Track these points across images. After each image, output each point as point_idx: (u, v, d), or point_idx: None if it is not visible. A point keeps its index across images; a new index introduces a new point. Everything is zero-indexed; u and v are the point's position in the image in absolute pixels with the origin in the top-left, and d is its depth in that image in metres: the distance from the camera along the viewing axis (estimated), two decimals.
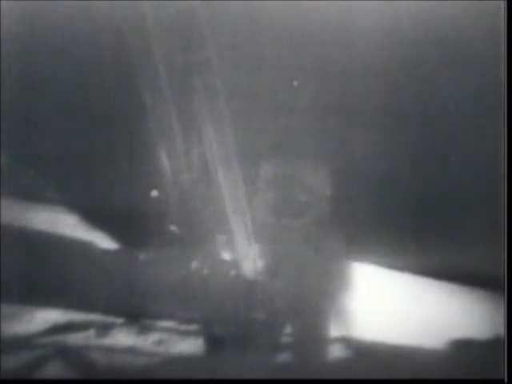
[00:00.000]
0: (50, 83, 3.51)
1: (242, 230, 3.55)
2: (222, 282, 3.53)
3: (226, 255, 3.61)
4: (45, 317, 3.50)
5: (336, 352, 3.28)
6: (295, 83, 3.31)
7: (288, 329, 3.43)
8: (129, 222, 3.50)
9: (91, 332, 3.47)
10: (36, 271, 3.41)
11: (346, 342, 3.35)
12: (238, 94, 3.45)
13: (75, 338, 3.43)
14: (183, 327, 3.49)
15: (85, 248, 3.56)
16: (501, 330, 2.85)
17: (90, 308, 3.50)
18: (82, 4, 3.39)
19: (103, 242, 3.62)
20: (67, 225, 3.62)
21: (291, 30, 3.34)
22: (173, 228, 3.61)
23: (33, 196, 3.61)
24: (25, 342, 3.35)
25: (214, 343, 3.43)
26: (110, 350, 3.39)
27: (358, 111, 3.39)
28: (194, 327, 3.48)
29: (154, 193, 3.40)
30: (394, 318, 3.40)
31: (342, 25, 3.34)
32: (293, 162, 3.49)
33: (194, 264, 3.55)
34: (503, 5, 2.99)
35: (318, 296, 3.39)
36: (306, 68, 3.40)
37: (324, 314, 3.38)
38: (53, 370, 3.19)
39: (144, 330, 3.48)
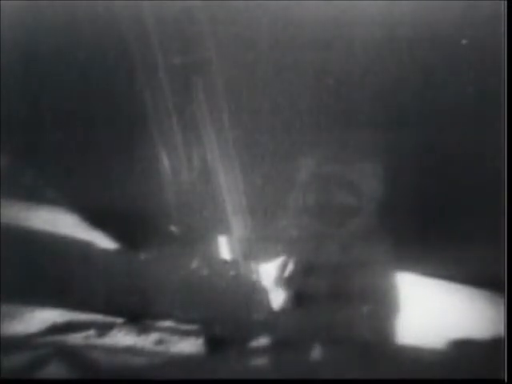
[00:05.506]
0: (50, 83, 3.51)
1: (242, 230, 3.55)
2: (222, 282, 3.53)
3: (226, 255, 3.61)
4: (45, 317, 3.49)
5: (336, 352, 3.28)
6: None
7: (288, 329, 3.43)
8: (129, 222, 3.50)
9: (91, 332, 3.47)
10: (36, 271, 3.41)
11: (347, 342, 3.35)
12: (237, 93, 3.45)
13: (75, 338, 3.43)
14: (183, 327, 3.49)
15: (85, 248, 3.56)
16: (501, 329, 2.85)
17: (90, 308, 3.49)
18: (82, 4, 3.39)
19: (103, 241, 3.61)
20: (67, 225, 3.61)
21: (291, 30, 3.34)
22: (173, 228, 3.61)
23: (33, 196, 3.60)
24: (25, 342, 3.34)
25: (215, 343, 3.42)
26: (110, 350, 3.39)
27: (358, 111, 3.40)
28: (194, 327, 3.48)
29: None
30: (394, 318, 3.40)
31: (342, 25, 3.34)
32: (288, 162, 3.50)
33: (194, 264, 3.55)
34: (503, 5, 2.98)
35: (318, 295, 3.40)
36: (306, 68, 3.40)
37: (324, 313, 3.38)
38: (53, 370, 3.19)
39: (144, 329, 3.48)
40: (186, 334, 3.46)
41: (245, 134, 3.49)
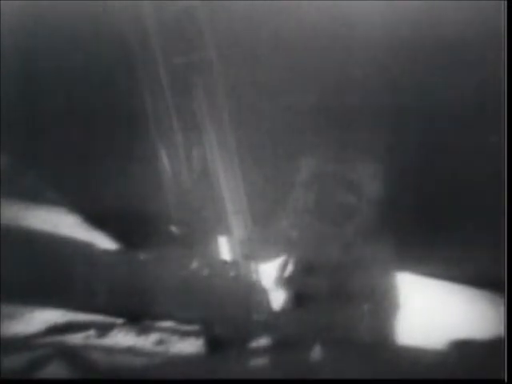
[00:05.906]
0: (51, 83, 3.52)
1: (242, 230, 3.55)
2: (221, 282, 3.53)
3: (226, 256, 3.61)
4: (45, 317, 3.49)
5: (336, 352, 3.27)
6: None
7: (288, 329, 3.43)
8: (129, 222, 3.50)
9: (91, 332, 3.46)
10: (36, 271, 3.41)
11: (347, 342, 3.35)
12: (237, 93, 3.45)
13: (75, 338, 3.42)
14: (183, 328, 3.49)
15: (85, 248, 3.56)
16: (501, 329, 2.85)
17: (90, 308, 3.49)
18: (83, 4, 3.40)
19: (103, 241, 3.61)
20: (67, 225, 3.62)
21: (291, 30, 3.35)
22: (173, 228, 3.61)
23: (33, 196, 3.60)
24: (25, 342, 3.34)
25: (214, 343, 3.42)
26: (111, 350, 3.38)
27: (358, 111, 3.40)
28: (194, 328, 3.48)
29: None
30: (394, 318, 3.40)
31: (342, 25, 3.35)
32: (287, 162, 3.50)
33: (194, 264, 3.55)
34: (503, 5, 2.98)
35: (318, 295, 3.40)
36: (305, 67, 3.40)
37: (324, 314, 3.38)
38: (53, 370, 3.18)
39: (144, 330, 3.48)
40: (186, 334, 3.46)
41: (245, 134, 3.50)
